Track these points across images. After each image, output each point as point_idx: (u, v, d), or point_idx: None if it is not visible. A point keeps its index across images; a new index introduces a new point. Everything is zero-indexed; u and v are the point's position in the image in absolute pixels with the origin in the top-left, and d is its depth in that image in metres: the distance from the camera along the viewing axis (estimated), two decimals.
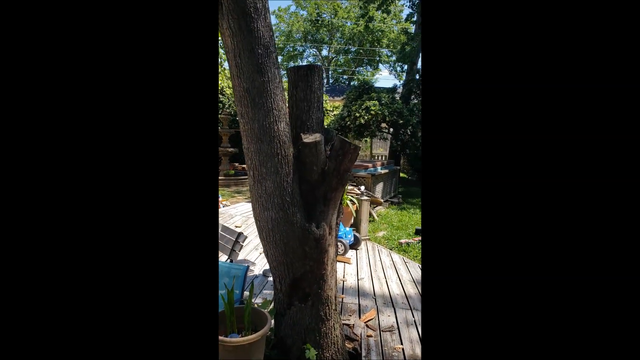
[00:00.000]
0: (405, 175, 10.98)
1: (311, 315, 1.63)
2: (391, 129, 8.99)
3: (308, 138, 1.46)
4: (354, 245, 3.63)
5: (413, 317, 2.25)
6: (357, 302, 2.42)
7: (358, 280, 2.83)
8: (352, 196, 4.07)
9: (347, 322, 2.09)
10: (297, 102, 1.53)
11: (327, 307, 1.65)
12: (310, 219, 1.54)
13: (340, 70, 26.01)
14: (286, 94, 1.54)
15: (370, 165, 5.87)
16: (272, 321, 1.73)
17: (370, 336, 1.98)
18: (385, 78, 43.02)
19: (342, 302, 2.41)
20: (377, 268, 3.14)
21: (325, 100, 11.20)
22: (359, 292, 2.60)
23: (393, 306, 2.39)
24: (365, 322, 2.12)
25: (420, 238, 4.09)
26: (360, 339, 1.95)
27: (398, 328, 2.10)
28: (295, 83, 1.52)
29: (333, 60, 26.11)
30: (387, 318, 2.22)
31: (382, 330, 2.06)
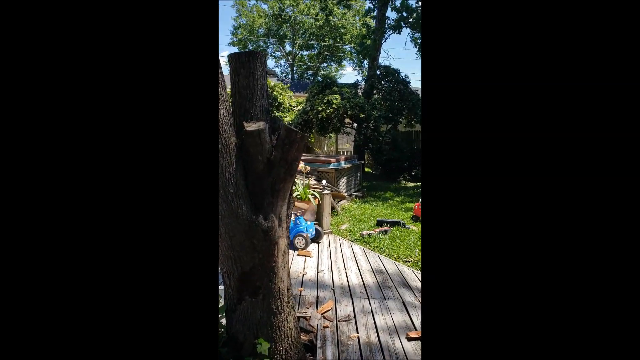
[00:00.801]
0: (369, 170, 11.18)
1: (263, 309, 1.59)
2: (354, 124, 9.10)
3: (251, 126, 1.41)
4: (316, 238, 3.62)
5: (370, 305, 2.28)
6: (316, 294, 2.42)
7: (318, 272, 2.83)
8: (314, 190, 4.06)
9: (303, 314, 2.07)
10: (240, 89, 1.47)
11: (279, 300, 1.62)
12: (257, 210, 1.50)
13: (305, 67, 25.92)
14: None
15: (333, 160, 5.90)
16: (224, 318, 1.67)
17: (327, 327, 1.98)
18: (349, 74, 43.52)
19: (300, 295, 2.39)
20: (338, 259, 3.16)
21: (290, 96, 11.11)
22: (318, 284, 2.59)
23: (351, 296, 2.41)
24: (322, 314, 2.12)
25: (380, 229, 4.17)
26: (317, 330, 1.94)
27: (355, 317, 2.11)
28: (236, 70, 1.47)
29: (297, 56, 25.95)
30: (345, 308, 2.23)
31: (339, 321, 2.06)
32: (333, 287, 2.56)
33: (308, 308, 2.19)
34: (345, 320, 2.07)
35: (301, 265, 2.99)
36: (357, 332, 1.94)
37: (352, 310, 2.21)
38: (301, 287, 2.53)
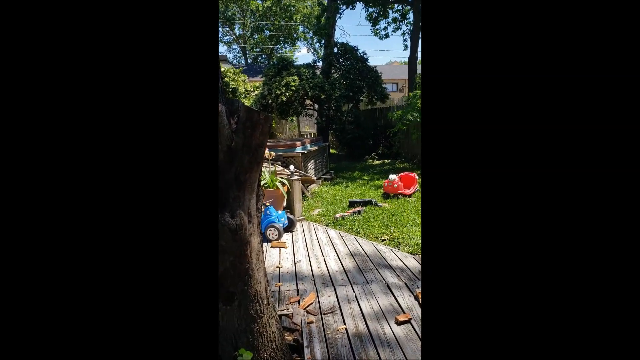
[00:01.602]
0: (335, 151, 11.10)
1: (240, 317, 1.42)
2: (316, 105, 8.88)
3: None
4: (289, 227, 3.46)
5: (353, 292, 2.18)
6: (296, 288, 2.27)
7: (295, 263, 2.68)
8: (281, 177, 3.86)
9: (285, 312, 1.93)
10: None
11: (257, 304, 1.45)
12: (222, 208, 1.30)
13: (258, 50, 24.96)
14: None
15: (298, 143, 5.70)
16: None
17: (312, 322, 1.85)
18: (304, 56, 42.64)
19: (279, 290, 2.24)
20: (314, 247, 3.03)
21: (244, 81, 10.59)
22: (297, 276, 2.45)
23: (333, 284, 2.30)
24: (304, 308, 1.98)
25: (353, 210, 4.09)
26: (301, 327, 1.81)
27: (340, 307, 2.00)
28: None
29: (249, 39, 24.86)
30: (328, 298, 2.11)
31: (324, 313, 1.94)
32: (313, 277, 2.43)
33: (289, 304, 2.04)
34: (330, 312, 1.95)
35: (276, 257, 2.82)
36: (344, 324, 1.83)
37: (335, 299, 2.09)
38: (279, 281, 2.37)
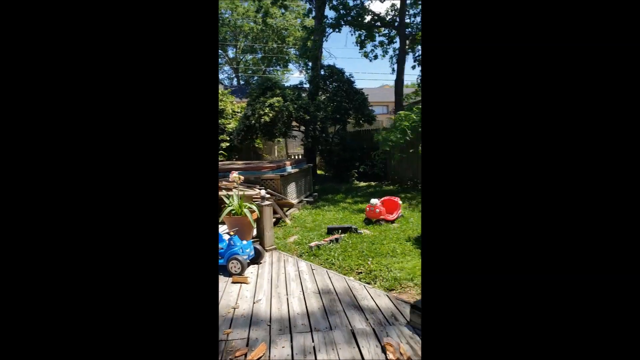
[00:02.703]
0: (322, 172, 10.89)
1: None
2: (302, 127, 8.74)
3: None
4: (256, 259, 3.17)
5: (312, 341, 1.88)
6: (247, 336, 1.96)
7: (254, 303, 2.37)
8: (250, 203, 3.59)
9: None
10: None
11: None
12: None
13: (250, 72, 25.19)
14: None
15: (277, 165, 5.47)
16: None
17: None
18: (296, 78, 43.34)
19: (226, 339, 1.93)
20: (280, 283, 2.73)
21: (232, 102, 10.48)
22: (252, 320, 2.14)
23: (290, 332, 1.99)
24: None
25: (331, 238, 3.81)
26: None
27: None
28: None
29: (241, 62, 25.15)
30: (281, 350, 1.81)
31: None
32: (270, 322, 2.13)
33: (234, 359, 1.73)
34: None
35: (234, 296, 2.51)
36: None
37: (289, 352, 1.79)
38: (229, 327, 2.06)
